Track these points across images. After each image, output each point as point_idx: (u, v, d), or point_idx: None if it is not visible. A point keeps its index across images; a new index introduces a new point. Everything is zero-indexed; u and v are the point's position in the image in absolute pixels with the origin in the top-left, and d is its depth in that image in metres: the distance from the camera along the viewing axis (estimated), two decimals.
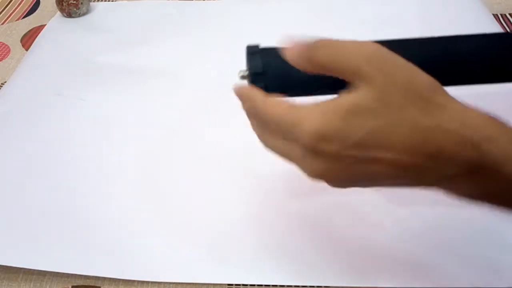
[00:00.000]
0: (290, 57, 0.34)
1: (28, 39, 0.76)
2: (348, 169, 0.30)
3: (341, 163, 0.30)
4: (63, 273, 0.44)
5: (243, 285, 0.44)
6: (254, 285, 0.43)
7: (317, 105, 0.30)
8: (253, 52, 0.38)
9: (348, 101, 0.29)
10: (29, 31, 0.78)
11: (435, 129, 0.28)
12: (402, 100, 0.29)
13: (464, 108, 0.29)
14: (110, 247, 0.46)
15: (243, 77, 0.38)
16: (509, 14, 0.76)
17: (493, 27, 0.69)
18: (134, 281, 0.44)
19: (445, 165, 0.29)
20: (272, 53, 0.38)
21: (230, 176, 0.52)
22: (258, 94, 0.34)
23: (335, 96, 0.30)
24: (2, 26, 0.79)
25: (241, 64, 0.40)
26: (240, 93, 0.36)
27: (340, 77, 0.31)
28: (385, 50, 0.31)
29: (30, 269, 0.45)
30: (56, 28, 0.76)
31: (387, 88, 0.29)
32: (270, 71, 0.38)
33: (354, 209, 0.48)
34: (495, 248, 0.44)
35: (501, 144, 0.28)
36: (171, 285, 0.44)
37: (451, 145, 0.28)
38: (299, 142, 0.31)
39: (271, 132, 0.34)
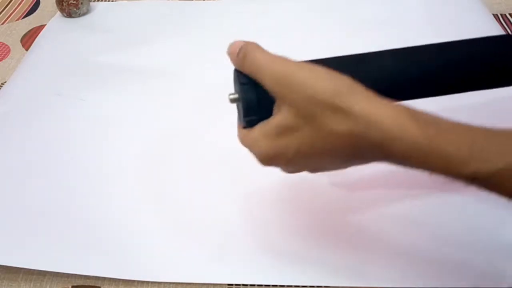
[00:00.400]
0: (231, 58, 0.37)
1: (28, 39, 0.76)
2: (306, 167, 0.36)
3: (297, 166, 0.36)
4: (63, 273, 0.44)
5: (243, 285, 0.44)
6: (254, 285, 0.43)
7: (257, 129, 0.35)
8: (245, 82, 0.36)
9: (275, 123, 0.34)
10: (29, 31, 0.78)
11: (345, 135, 0.31)
12: (312, 112, 0.32)
13: (369, 109, 0.31)
14: (110, 247, 0.46)
15: (233, 101, 0.37)
16: (509, 14, 0.76)
17: (493, 27, 0.69)
18: (134, 281, 0.44)
19: (365, 160, 0.33)
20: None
21: (230, 176, 0.52)
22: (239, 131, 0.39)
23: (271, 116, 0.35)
24: (2, 26, 0.79)
25: None
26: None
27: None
28: (291, 68, 0.33)
29: (30, 269, 0.45)
30: (56, 28, 0.76)
31: (298, 103, 0.32)
32: (263, 103, 0.36)
33: (354, 210, 0.48)
34: (496, 249, 0.44)
35: (403, 143, 0.30)
36: (171, 285, 0.44)
37: (361, 147, 0.32)
38: None
39: None
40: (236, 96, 0.37)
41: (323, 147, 0.33)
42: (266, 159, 0.35)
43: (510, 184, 0.29)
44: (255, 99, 0.36)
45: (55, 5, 0.78)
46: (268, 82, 0.34)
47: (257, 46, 0.35)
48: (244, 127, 0.37)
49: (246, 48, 0.36)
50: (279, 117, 0.34)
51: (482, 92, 0.41)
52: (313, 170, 0.37)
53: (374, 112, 0.30)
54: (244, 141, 0.37)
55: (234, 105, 0.39)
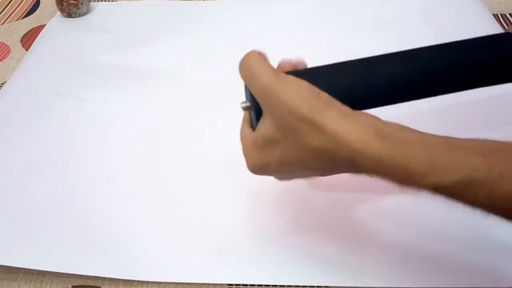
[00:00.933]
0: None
1: (28, 39, 0.76)
2: (292, 176, 0.40)
3: (283, 175, 0.39)
4: (63, 273, 0.44)
5: (243, 285, 0.44)
6: (254, 285, 0.43)
7: (251, 137, 0.38)
8: None
9: (261, 134, 0.37)
10: (29, 31, 0.78)
11: (318, 150, 0.34)
12: (291, 125, 0.34)
13: (340, 127, 0.33)
14: (110, 247, 0.46)
15: (245, 108, 0.39)
16: (509, 14, 0.76)
17: (493, 27, 0.69)
18: (134, 281, 0.44)
19: (342, 171, 0.36)
20: None
21: (230, 176, 0.52)
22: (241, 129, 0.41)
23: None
24: (2, 26, 0.79)
25: None
26: None
27: None
28: (277, 82, 0.35)
29: (30, 269, 0.45)
30: (56, 28, 0.76)
31: (279, 117, 0.35)
32: None
33: (354, 209, 0.48)
34: (496, 248, 0.44)
35: (368, 160, 0.32)
36: (171, 285, 0.44)
37: (333, 161, 0.34)
38: None
39: None
40: (248, 104, 0.39)
41: (302, 160, 0.35)
42: (254, 168, 0.39)
43: (468, 194, 0.31)
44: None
45: (55, 5, 0.78)
46: (255, 92, 0.36)
47: (256, 55, 0.37)
48: None
49: (246, 55, 0.38)
50: (264, 128, 0.36)
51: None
52: (301, 177, 0.40)
53: (343, 130, 0.33)
54: (242, 143, 0.40)
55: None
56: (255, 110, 0.38)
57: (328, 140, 0.33)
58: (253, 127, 0.39)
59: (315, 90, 0.35)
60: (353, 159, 0.33)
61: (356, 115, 0.34)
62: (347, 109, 0.35)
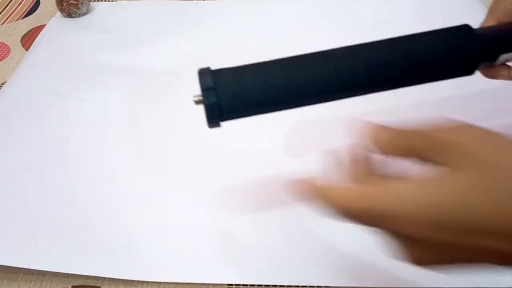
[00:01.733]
0: (376, 142, 0.31)
1: (28, 39, 0.76)
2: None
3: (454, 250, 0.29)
4: (63, 273, 0.44)
5: (243, 285, 0.44)
6: (254, 285, 0.44)
7: (414, 190, 0.28)
8: (203, 72, 0.36)
9: (455, 185, 0.27)
10: (29, 31, 0.78)
11: None
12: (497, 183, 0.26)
13: None
14: (110, 247, 0.46)
15: (197, 102, 0.37)
16: None
17: None
18: (134, 281, 0.44)
19: None
20: (225, 71, 0.38)
21: (231, 176, 0.52)
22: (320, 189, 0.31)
23: (432, 174, 0.28)
24: (2, 26, 0.79)
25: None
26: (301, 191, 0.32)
27: (425, 161, 0.29)
28: (481, 136, 0.28)
29: (30, 269, 0.45)
30: (56, 28, 0.76)
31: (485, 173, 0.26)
32: (222, 86, 0.37)
33: None
34: None
35: None
36: (171, 285, 0.44)
37: None
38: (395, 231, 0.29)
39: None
40: (201, 98, 0.37)
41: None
42: (428, 226, 0.28)
43: None
44: (211, 80, 0.36)
45: (55, 5, 0.78)
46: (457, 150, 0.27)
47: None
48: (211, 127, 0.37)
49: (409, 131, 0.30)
50: (459, 177, 0.27)
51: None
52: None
53: None
54: (358, 201, 0.30)
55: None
56: (204, 95, 0.36)
57: None
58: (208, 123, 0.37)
59: None
60: None
61: None
62: None
